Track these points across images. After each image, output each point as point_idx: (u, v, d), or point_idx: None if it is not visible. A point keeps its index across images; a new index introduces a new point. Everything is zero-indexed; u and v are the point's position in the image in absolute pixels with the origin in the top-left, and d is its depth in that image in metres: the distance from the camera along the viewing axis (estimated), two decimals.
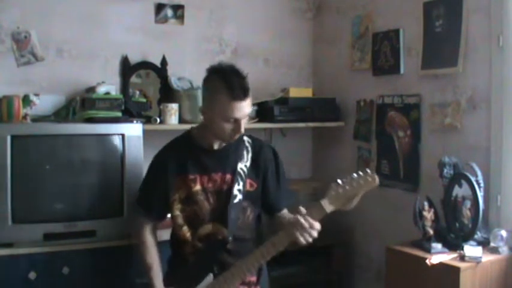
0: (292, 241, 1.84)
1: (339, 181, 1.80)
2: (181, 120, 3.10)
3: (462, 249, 2.42)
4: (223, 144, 2.04)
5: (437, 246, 2.52)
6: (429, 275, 2.42)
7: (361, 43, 3.40)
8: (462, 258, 2.39)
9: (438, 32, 2.87)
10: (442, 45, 2.84)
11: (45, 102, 2.87)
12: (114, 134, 2.69)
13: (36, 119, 2.79)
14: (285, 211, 2.12)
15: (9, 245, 2.47)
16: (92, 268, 2.61)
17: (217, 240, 1.98)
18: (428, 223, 2.59)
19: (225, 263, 1.97)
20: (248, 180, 2.02)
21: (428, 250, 2.51)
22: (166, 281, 2.08)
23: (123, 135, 2.68)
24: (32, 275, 2.49)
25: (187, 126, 3.08)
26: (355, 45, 3.46)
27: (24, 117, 2.72)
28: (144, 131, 2.77)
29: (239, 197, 1.98)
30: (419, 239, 2.62)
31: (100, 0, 3.10)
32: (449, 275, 2.34)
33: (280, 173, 2.11)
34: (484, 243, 2.50)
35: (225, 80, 1.88)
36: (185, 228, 2.04)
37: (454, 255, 2.44)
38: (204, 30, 3.42)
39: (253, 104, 3.27)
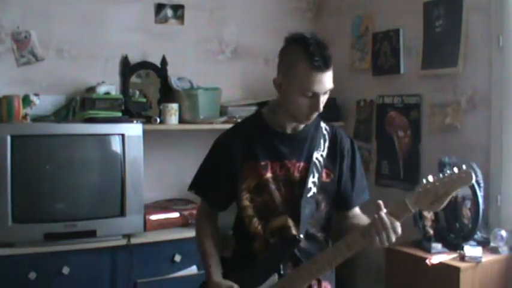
0: (368, 243, 1.63)
1: (429, 177, 1.57)
2: (181, 120, 3.10)
3: (462, 249, 2.42)
4: (299, 128, 1.83)
5: (437, 246, 2.52)
6: (429, 275, 2.42)
7: (361, 43, 3.40)
8: (462, 258, 2.39)
9: (438, 32, 2.87)
10: (442, 45, 2.84)
11: (45, 102, 2.86)
12: (114, 134, 2.70)
13: (36, 119, 2.79)
14: (357, 210, 1.89)
15: (9, 245, 2.48)
16: (92, 268, 2.62)
17: (289, 238, 1.75)
18: (428, 223, 2.59)
19: (294, 262, 1.77)
20: (324, 171, 1.81)
21: (428, 250, 2.51)
22: (226, 274, 1.82)
23: (123, 135, 2.68)
24: (32, 275, 2.49)
25: (187, 126, 3.13)
26: (355, 45, 3.45)
27: (24, 117, 2.72)
28: (144, 131, 2.78)
29: (313, 190, 1.77)
30: (419, 239, 2.62)
31: (100, 0, 3.10)
32: (449, 275, 2.34)
33: (357, 166, 1.87)
34: (484, 243, 2.50)
35: (306, 48, 1.67)
36: (255, 220, 1.80)
37: (454, 255, 2.44)
38: (204, 30, 3.41)
39: (253, 104, 3.27)
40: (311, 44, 1.68)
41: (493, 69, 2.62)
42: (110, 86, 2.99)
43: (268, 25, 3.61)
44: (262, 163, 1.78)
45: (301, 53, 1.68)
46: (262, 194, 1.79)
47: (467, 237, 2.51)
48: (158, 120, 3.02)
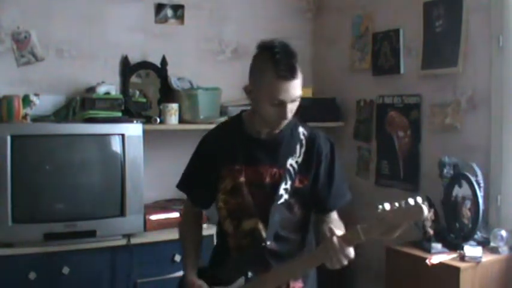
0: (323, 262, 1.67)
1: (385, 206, 1.58)
2: (181, 120, 3.10)
3: (462, 249, 2.42)
4: (274, 133, 1.84)
5: (437, 246, 2.52)
6: (429, 275, 2.42)
7: (361, 43, 3.40)
8: (462, 258, 2.39)
9: (438, 32, 2.87)
10: (442, 45, 2.84)
11: (45, 102, 2.86)
12: (114, 134, 2.70)
13: (36, 119, 2.79)
14: (334, 216, 1.90)
15: (9, 245, 2.48)
16: (92, 268, 2.62)
17: (258, 241, 1.81)
18: (428, 223, 2.59)
19: (263, 264, 1.81)
20: (298, 177, 1.83)
21: (428, 250, 2.51)
22: (203, 272, 1.90)
23: (123, 135, 2.68)
24: (32, 275, 2.49)
25: (187, 126, 3.13)
26: (355, 45, 3.45)
27: (24, 117, 2.72)
28: (144, 131, 2.78)
29: (285, 197, 1.81)
30: (419, 239, 2.62)
31: (100, 0, 3.10)
32: (449, 275, 2.34)
33: (335, 170, 1.87)
34: (484, 243, 2.50)
35: (272, 56, 1.70)
36: (228, 221, 1.87)
37: (454, 255, 2.44)
38: (204, 30, 3.41)
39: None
40: (278, 52, 1.69)
41: (493, 69, 2.62)
42: (110, 86, 2.99)
43: (268, 25, 3.60)
44: (237, 167, 1.83)
45: (268, 61, 1.70)
46: (236, 197, 1.84)
47: (467, 237, 2.51)
48: (158, 120, 3.02)
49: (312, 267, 1.78)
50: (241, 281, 1.80)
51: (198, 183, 1.93)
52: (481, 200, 2.47)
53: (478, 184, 2.50)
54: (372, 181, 3.28)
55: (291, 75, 1.69)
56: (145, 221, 2.77)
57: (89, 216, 2.61)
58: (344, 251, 1.62)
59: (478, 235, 2.53)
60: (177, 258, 2.80)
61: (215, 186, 1.88)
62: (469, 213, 2.53)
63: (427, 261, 2.41)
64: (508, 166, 2.59)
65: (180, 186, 2.00)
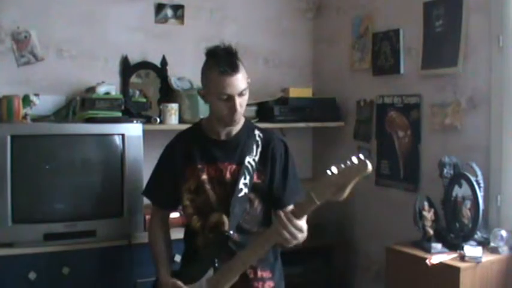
0: (278, 238, 1.80)
1: (333, 168, 1.65)
2: (181, 120, 3.10)
3: (462, 249, 2.43)
4: (232, 135, 2.03)
5: (437, 246, 2.52)
6: (429, 275, 2.42)
7: (361, 43, 3.40)
8: (462, 258, 2.39)
9: (438, 32, 2.87)
10: (442, 45, 2.84)
11: (45, 102, 2.87)
12: (114, 134, 2.70)
13: (36, 119, 2.79)
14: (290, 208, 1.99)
15: (9, 245, 2.47)
16: (92, 268, 2.62)
17: (222, 233, 1.95)
18: (428, 223, 2.59)
19: (230, 255, 1.94)
20: (256, 173, 2.00)
21: (428, 250, 2.51)
22: (176, 273, 2.05)
23: (123, 135, 2.68)
24: (32, 275, 2.49)
25: (187, 126, 3.12)
26: (355, 45, 3.45)
27: (24, 117, 2.72)
28: (144, 131, 2.77)
29: (244, 190, 1.96)
30: (419, 239, 2.62)
31: (100, 0, 3.11)
32: (449, 275, 2.34)
33: (289, 168, 2.06)
34: (484, 243, 2.50)
35: (213, 57, 1.93)
36: (195, 217, 2.04)
37: (454, 255, 2.44)
38: (204, 30, 3.41)
39: (253, 104, 3.27)
40: (218, 52, 1.92)
41: (493, 69, 2.62)
42: (110, 86, 2.99)
43: (268, 25, 3.61)
44: (199, 166, 2.01)
45: (212, 61, 1.93)
46: (200, 194, 2.01)
47: (467, 237, 2.51)
48: (158, 120, 3.02)
49: (270, 245, 1.86)
50: (210, 272, 1.92)
51: (163, 188, 2.11)
52: (481, 200, 2.47)
53: (478, 184, 2.50)
54: (371, 181, 3.27)
55: (232, 70, 1.89)
56: (145, 221, 2.77)
57: (89, 216, 2.61)
58: (293, 222, 1.74)
59: (478, 235, 2.53)
60: (177, 258, 2.79)
61: (179, 188, 2.04)
62: (469, 213, 2.53)
63: (427, 261, 2.41)
64: (508, 166, 2.59)
65: (145, 192, 2.21)
